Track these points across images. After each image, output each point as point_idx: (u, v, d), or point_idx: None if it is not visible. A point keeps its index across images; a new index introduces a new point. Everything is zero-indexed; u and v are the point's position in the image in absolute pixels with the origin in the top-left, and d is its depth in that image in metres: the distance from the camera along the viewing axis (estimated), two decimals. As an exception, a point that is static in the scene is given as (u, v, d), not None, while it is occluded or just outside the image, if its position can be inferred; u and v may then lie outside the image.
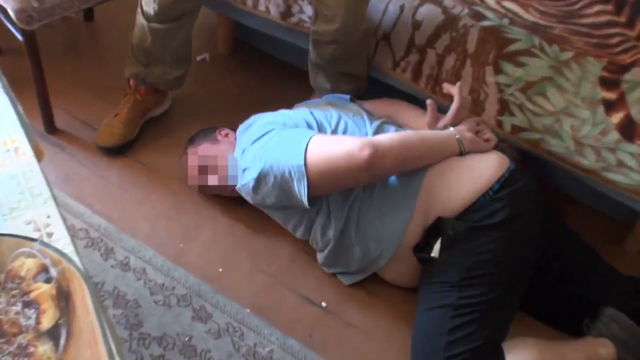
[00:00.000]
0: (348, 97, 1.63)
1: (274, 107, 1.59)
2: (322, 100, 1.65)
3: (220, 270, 1.50)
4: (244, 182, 1.41)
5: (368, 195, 1.37)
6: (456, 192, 1.31)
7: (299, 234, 1.48)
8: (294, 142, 1.33)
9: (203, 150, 1.53)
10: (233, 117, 1.70)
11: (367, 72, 1.69)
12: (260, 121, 1.47)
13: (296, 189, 1.32)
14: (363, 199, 1.37)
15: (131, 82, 1.75)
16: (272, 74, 2.05)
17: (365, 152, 1.24)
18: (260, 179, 1.37)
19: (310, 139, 1.30)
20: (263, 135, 1.40)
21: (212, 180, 1.52)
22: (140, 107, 1.75)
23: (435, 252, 1.30)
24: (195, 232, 1.58)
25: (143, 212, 1.61)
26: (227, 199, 1.62)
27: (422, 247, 1.34)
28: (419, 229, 1.34)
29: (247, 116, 1.58)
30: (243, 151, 1.42)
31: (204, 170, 1.52)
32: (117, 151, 1.73)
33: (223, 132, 1.59)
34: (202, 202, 1.66)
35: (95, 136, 1.74)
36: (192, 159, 1.55)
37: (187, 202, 1.65)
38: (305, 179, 1.29)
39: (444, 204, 1.31)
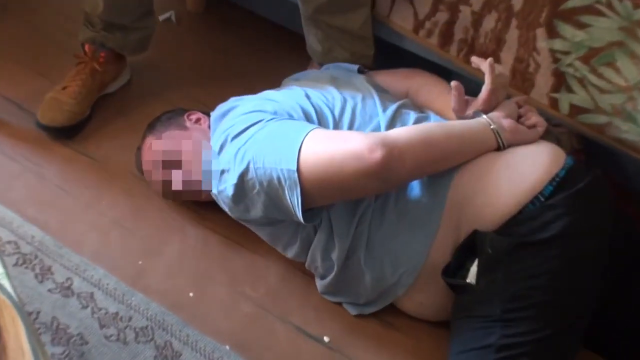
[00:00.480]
0: (356, 67, 1.61)
1: (259, 82, 1.55)
2: (322, 74, 1.62)
3: (191, 295, 1.47)
4: (222, 187, 1.39)
5: (380, 206, 1.35)
6: (495, 198, 1.27)
7: (291, 254, 1.46)
8: (285, 139, 1.30)
9: (166, 140, 1.51)
10: (206, 95, 1.71)
11: (372, 32, 1.67)
12: (242, 107, 1.44)
13: (288, 199, 1.29)
14: (374, 211, 1.35)
15: (87, 47, 1.74)
16: (257, 38, 2.05)
17: (377, 154, 1.20)
18: (241, 186, 1.34)
19: (306, 135, 1.27)
20: (247, 129, 1.37)
21: (178, 180, 1.49)
22: (98, 78, 1.74)
23: (471, 276, 1.26)
24: (158, 246, 1.55)
25: (90, 220, 1.58)
26: (200, 204, 1.60)
27: (453, 269, 1.30)
28: (448, 247, 1.31)
29: (223, 94, 1.56)
30: (221, 147, 1.40)
31: (167, 166, 1.49)
32: (64, 133, 1.71)
33: (193, 116, 1.56)
34: (167, 208, 1.63)
35: (37, 113, 1.70)
36: (152, 152, 1.52)
37: (149, 207, 1.63)
38: (299, 187, 1.25)
39: (479, 214, 1.28)
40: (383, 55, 1.72)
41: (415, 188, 1.34)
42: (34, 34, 1.97)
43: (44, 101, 1.71)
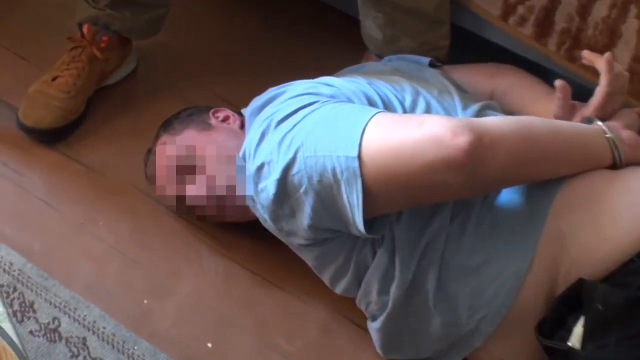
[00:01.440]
0: (427, 60, 1.58)
1: (297, 75, 1.51)
2: (384, 66, 1.61)
3: (210, 345, 1.45)
4: (261, 186, 1.35)
5: (458, 228, 1.32)
6: (609, 233, 1.24)
7: (340, 286, 1.44)
8: (344, 122, 1.29)
9: (186, 140, 1.49)
10: (230, 89, 1.72)
11: (449, 18, 1.67)
12: (289, 92, 1.42)
13: (344, 197, 1.26)
14: (450, 235, 1.32)
15: (86, 28, 1.71)
16: (296, 20, 2.01)
17: (462, 139, 1.18)
18: (286, 181, 1.31)
19: (370, 118, 1.26)
20: (295, 112, 1.35)
21: (197, 191, 1.47)
22: (97, 67, 1.73)
23: (574, 339, 1.21)
24: (169, 282, 1.53)
25: (83, 245, 1.56)
26: (224, 227, 1.58)
27: (550, 326, 1.25)
28: (542, 289, 1.29)
29: (251, 89, 1.53)
30: (261, 137, 1.38)
31: (185, 172, 1.48)
32: (53, 136, 1.69)
33: (221, 113, 1.55)
34: (181, 232, 1.60)
35: (19, 111, 1.68)
36: (166, 155, 1.51)
37: (157, 230, 1.60)
38: (359, 180, 1.23)
39: (585, 252, 1.25)
40: (458, 47, 1.69)
41: (504, 208, 1.32)
42: (18, 9, 1.96)
43: (27, 95, 1.69)
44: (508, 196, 1.33)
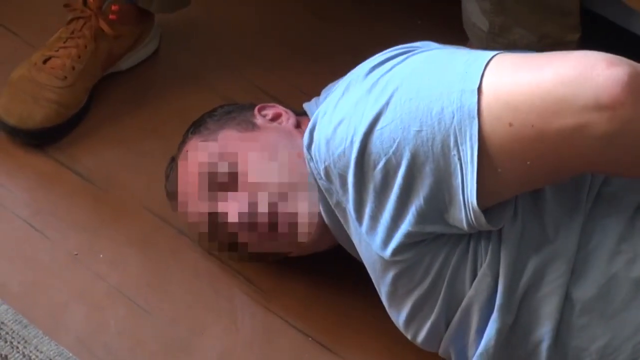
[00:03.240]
0: None
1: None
2: None
3: None
4: (338, 150, 1.31)
5: (595, 250, 1.28)
6: None
7: (423, 329, 1.38)
8: (458, 60, 1.27)
9: (224, 144, 1.45)
10: (272, 81, 1.73)
11: (579, 4, 1.63)
12: (380, 53, 1.39)
13: (452, 156, 1.22)
14: (578, 264, 1.28)
15: None
16: None
17: (621, 69, 1.13)
18: (372, 137, 1.27)
19: (494, 55, 1.24)
20: (393, 57, 1.33)
21: (234, 212, 1.40)
22: (105, 47, 1.69)
23: None
24: (189, 338, 1.47)
25: (78, 283, 1.51)
26: (264, 265, 1.56)
27: None
28: None
29: (307, 82, 1.62)
30: (344, 92, 1.36)
31: (222, 187, 1.43)
32: (44, 138, 1.66)
33: (269, 110, 1.51)
34: (207, 269, 1.55)
35: None
36: (195, 162, 1.47)
37: (175, 266, 1.55)
38: (476, 124, 1.18)
39: None
40: (593, 42, 1.55)
41: None
42: None
43: (9, 83, 1.65)
44: None
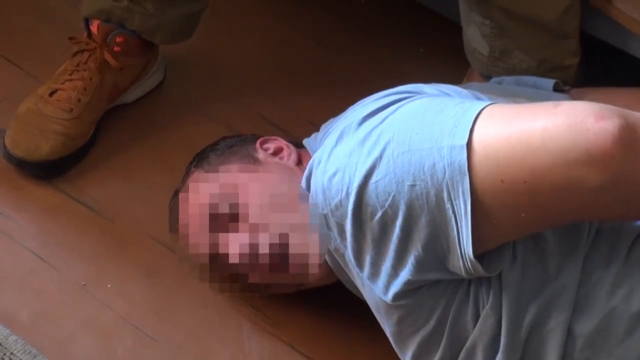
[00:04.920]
0: (550, 83, 1.57)
1: (368, 94, 1.47)
2: (493, 87, 1.61)
3: None
4: (335, 200, 1.32)
5: (595, 286, 1.29)
6: None
7: None
8: (448, 112, 1.29)
9: (225, 178, 1.47)
10: (278, 112, 1.75)
11: (579, 29, 1.66)
12: (377, 95, 1.43)
13: (447, 209, 1.24)
14: (580, 301, 1.30)
15: (95, 26, 1.69)
16: (368, 22, 1.98)
17: (610, 122, 1.15)
18: (367, 190, 1.29)
19: (484, 107, 1.25)
20: (386, 107, 1.35)
21: (242, 247, 1.41)
22: (110, 79, 1.71)
23: None
24: None
25: (85, 313, 1.53)
26: (272, 297, 1.56)
27: None
28: None
29: (312, 113, 1.63)
30: (337, 140, 1.38)
31: (223, 221, 1.44)
32: (51, 170, 1.67)
33: (271, 143, 1.52)
34: (214, 298, 1.57)
35: (5, 137, 1.68)
36: (197, 195, 1.48)
37: (182, 295, 1.57)
38: (467, 180, 1.20)
39: None
40: (593, 65, 1.68)
41: None
42: (11, 2, 1.97)
43: (17, 115, 1.67)
44: None
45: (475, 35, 1.67)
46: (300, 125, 1.61)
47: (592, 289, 1.30)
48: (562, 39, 1.65)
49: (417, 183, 1.24)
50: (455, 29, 1.73)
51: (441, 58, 1.82)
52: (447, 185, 1.22)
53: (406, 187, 1.25)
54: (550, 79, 1.57)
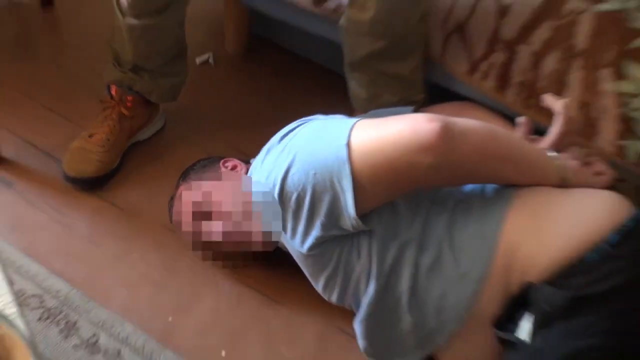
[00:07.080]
0: (409, 108, 1.72)
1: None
2: (369, 115, 1.74)
3: (224, 354, 1.61)
4: (272, 187, 1.48)
5: (429, 237, 1.45)
6: (553, 239, 1.37)
7: (333, 296, 1.56)
8: (335, 127, 1.43)
9: (199, 188, 1.63)
10: (246, 142, 1.86)
11: (423, 77, 1.83)
12: (287, 126, 1.59)
13: (337, 184, 1.38)
14: (421, 242, 1.46)
15: (114, 90, 1.90)
16: (301, 82, 2.20)
17: (436, 124, 1.32)
18: (286, 182, 1.44)
19: (357, 121, 1.42)
20: (292, 130, 1.52)
21: (212, 231, 1.60)
22: (127, 124, 1.92)
23: (523, 332, 1.36)
24: (189, 302, 1.70)
25: (119, 274, 1.74)
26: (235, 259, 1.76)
27: (504, 322, 1.41)
28: (497, 292, 1.41)
29: (265, 141, 1.65)
30: (266, 154, 1.54)
31: (198, 217, 1.61)
32: (93, 184, 1.88)
33: (229, 163, 1.71)
34: (200, 262, 1.79)
35: (63, 164, 1.88)
36: (182, 202, 1.65)
37: (180, 260, 1.78)
38: (347, 166, 1.36)
39: (533, 257, 1.37)
40: (435, 98, 1.84)
41: (465, 226, 1.43)
42: (62, 76, 2.19)
43: (69, 151, 1.87)
44: (466, 215, 1.44)
45: (356, 86, 1.85)
46: (256, 151, 1.63)
47: (431, 234, 1.45)
48: (413, 84, 1.85)
49: (318, 172, 1.39)
50: (343, 81, 1.90)
51: (345, 100, 1.93)
52: (336, 172, 1.38)
53: (311, 175, 1.40)
54: (409, 107, 1.72)
